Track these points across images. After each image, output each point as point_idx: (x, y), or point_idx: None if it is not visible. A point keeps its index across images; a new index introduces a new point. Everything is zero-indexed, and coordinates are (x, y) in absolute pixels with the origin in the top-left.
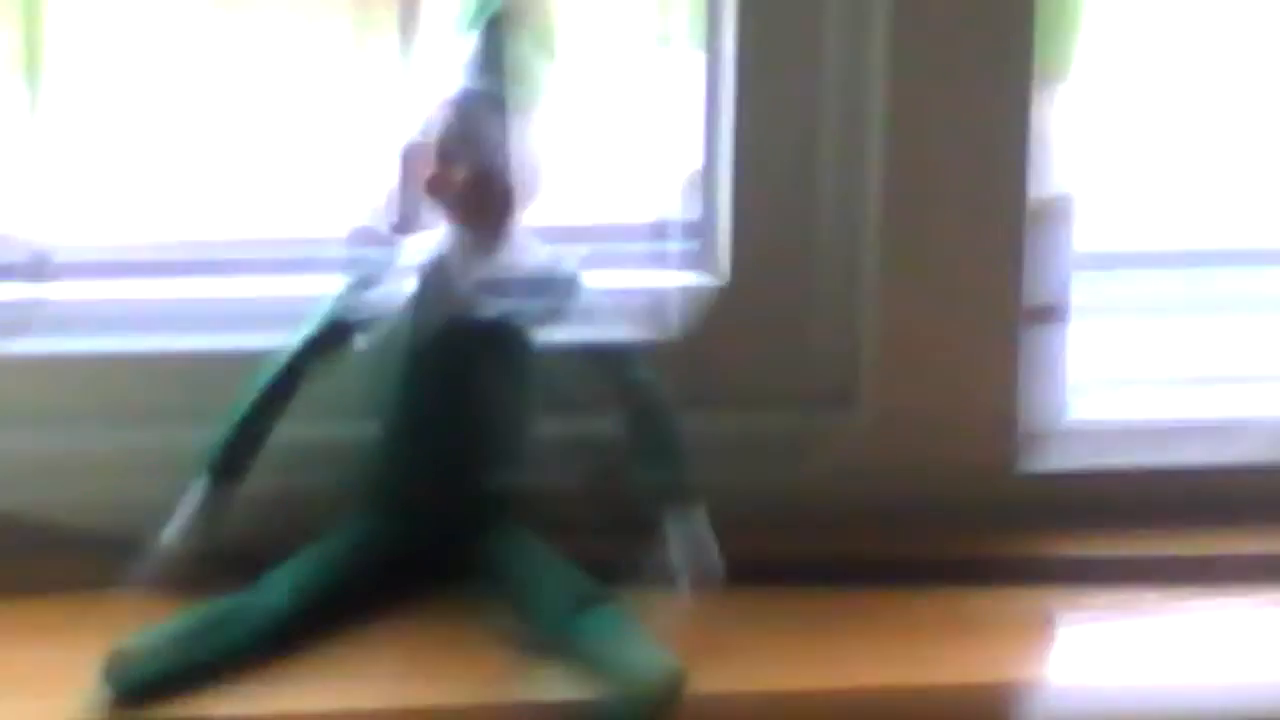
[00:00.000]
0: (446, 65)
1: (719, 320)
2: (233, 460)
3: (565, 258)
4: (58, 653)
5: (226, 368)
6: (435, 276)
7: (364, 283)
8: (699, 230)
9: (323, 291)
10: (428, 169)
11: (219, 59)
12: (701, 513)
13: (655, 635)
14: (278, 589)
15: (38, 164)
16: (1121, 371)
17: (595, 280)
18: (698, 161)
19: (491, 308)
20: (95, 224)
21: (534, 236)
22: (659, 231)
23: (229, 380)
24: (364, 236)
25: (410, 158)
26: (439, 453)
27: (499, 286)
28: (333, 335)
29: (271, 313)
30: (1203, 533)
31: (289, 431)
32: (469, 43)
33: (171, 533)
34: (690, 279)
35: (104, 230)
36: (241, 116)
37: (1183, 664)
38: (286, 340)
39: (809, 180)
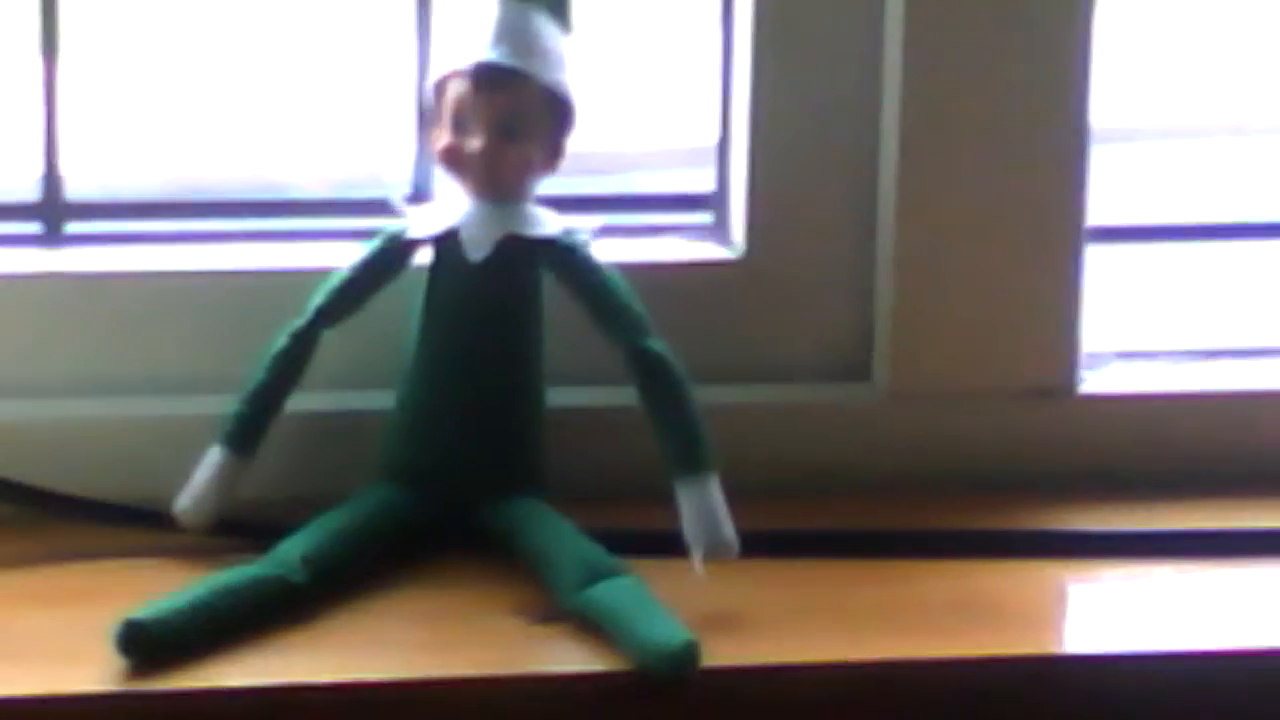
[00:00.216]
0: (463, 33)
1: (733, 293)
2: (247, 429)
3: (580, 228)
4: (71, 621)
5: (240, 335)
6: (450, 247)
7: (379, 248)
8: (713, 202)
9: (335, 259)
10: (443, 138)
11: (238, 20)
12: (716, 484)
13: (670, 607)
14: (292, 557)
15: (53, 104)
16: (1136, 346)
17: (609, 251)
18: (713, 134)
19: (506, 276)
20: (110, 168)
21: (548, 207)
22: (673, 203)
23: (243, 347)
24: (380, 205)
25: (427, 126)
26: (454, 421)
27: (514, 257)
28: (344, 302)
29: (283, 281)
30: (1212, 507)
31: (304, 400)
32: (486, 11)
33: (185, 502)
34: (705, 251)
35: (119, 174)
36: (260, 72)
37: (1197, 634)
38: (298, 310)
39: (824, 153)
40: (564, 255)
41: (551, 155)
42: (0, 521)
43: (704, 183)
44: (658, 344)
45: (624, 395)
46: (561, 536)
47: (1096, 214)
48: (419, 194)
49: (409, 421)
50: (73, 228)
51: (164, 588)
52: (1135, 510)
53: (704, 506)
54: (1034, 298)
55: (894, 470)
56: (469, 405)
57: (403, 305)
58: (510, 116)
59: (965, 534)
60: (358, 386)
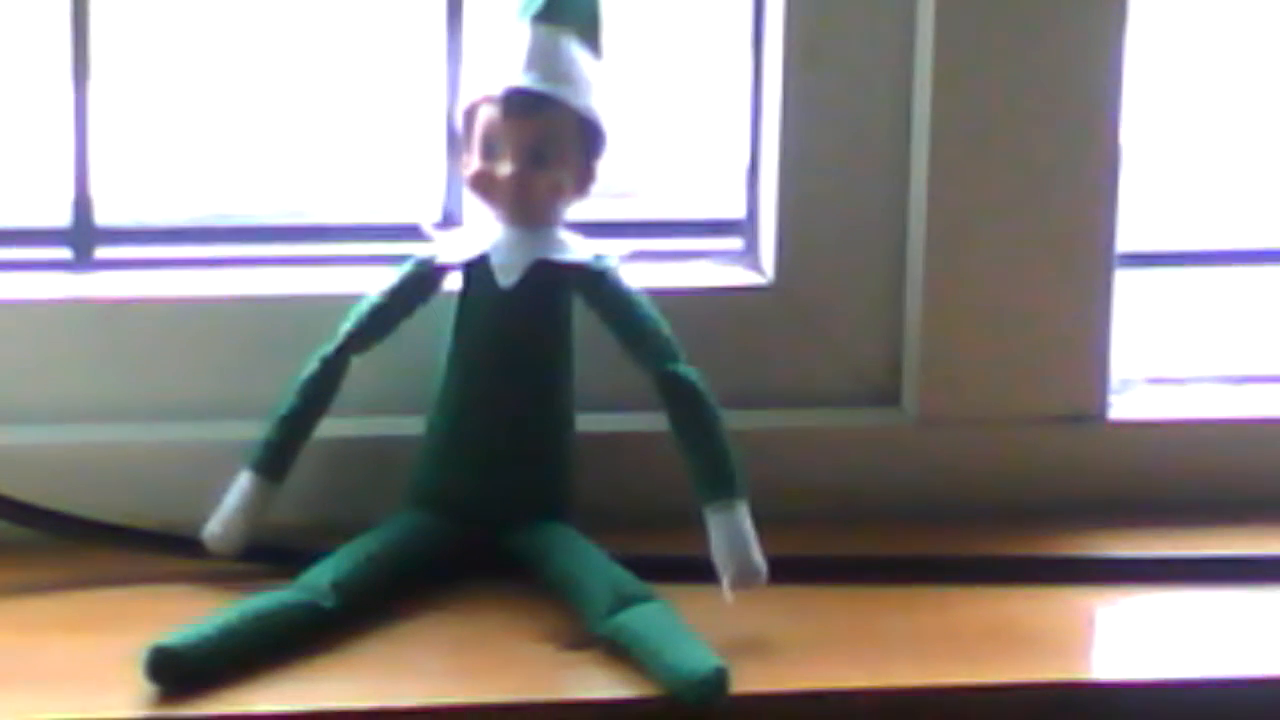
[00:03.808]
0: (493, 59)
1: (763, 318)
2: (277, 455)
3: (609, 253)
4: (100, 647)
5: (270, 360)
6: (480, 273)
7: (409, 273)
8: (743, 228)
9: (365, 284)
10: (473, 164)
11: (267, 41)
12: (745, 509)
13: (699, 633)
14: (321, 583)
15: (84, 130)
16: (1166, 371)
17: (639, 276)
18: (743, 159)
19: (536, 301)
20: (140, 195)
21: (578, 232)
22: (703, 228)
23: (273, 373)
24: (410, 231)
25: (457, 151)
26: (484, 447)
27: (544, 282)
28: (374, 327)
29: (313, 307)
30: (1242, 533)
31: (333, 425)
32: (516, 37)
33: (215, 527)
34: (734, 276)
35: (149, 202)
36: (288, 98)
37: (1227, 660)
38: (328, 335)
39: (854, 178)
40: (593, 280)
41: (582, 180)
42: (29, 547)
43: (733, 208)
44: (687, 369)
45: (653, 421)
46: (590, 562)
47: (1126, 239)
48: (449, 219)
49: (439, 447)
50: (103, 253)
51: (193, 613)
52: (1165, 535)
53: (733, 532)
54: (1064, 323)
55: (923, 496)
56: (499, 431)
57: (433, 331)
58: (541, 142)
59: (995, 560)
60: (387, 412)
